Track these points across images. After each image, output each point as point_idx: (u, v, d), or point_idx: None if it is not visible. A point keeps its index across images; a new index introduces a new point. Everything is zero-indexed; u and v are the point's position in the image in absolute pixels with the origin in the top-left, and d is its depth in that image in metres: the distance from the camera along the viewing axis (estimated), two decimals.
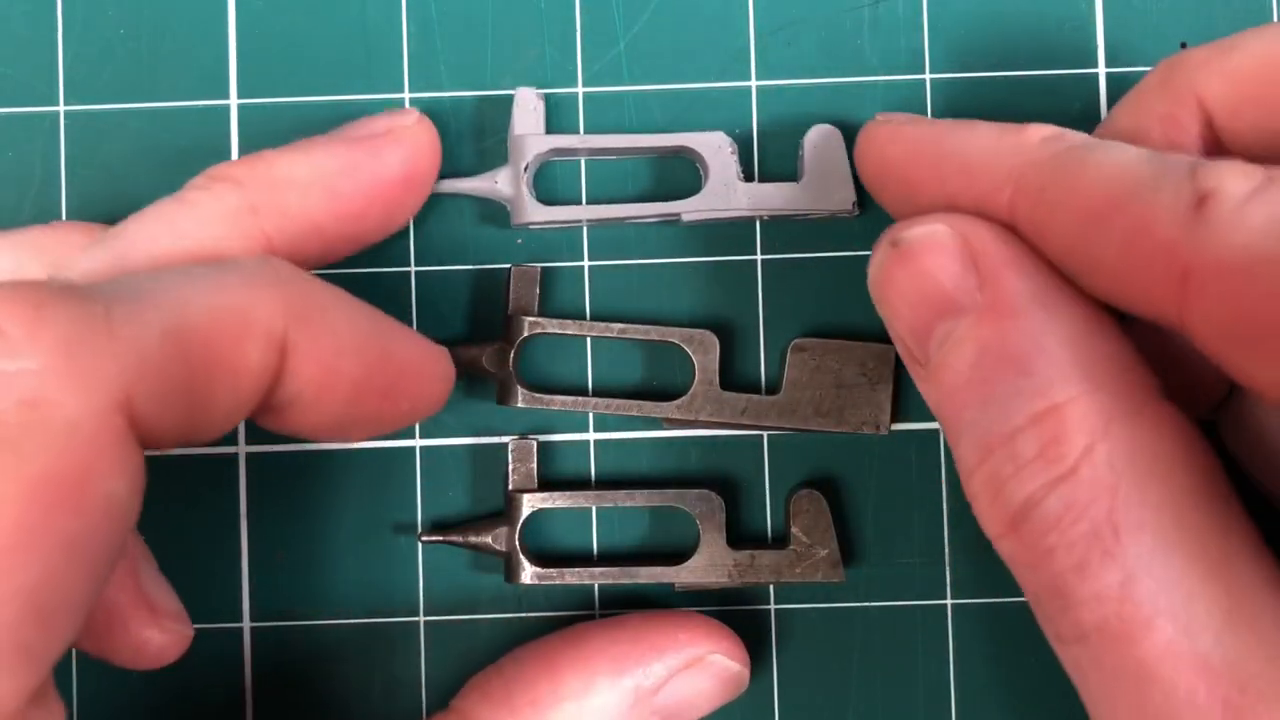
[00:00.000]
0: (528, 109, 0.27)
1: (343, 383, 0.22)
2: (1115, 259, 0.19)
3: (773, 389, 0.27)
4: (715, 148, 0.27)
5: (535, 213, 0.27)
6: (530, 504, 0.27)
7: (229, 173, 0.23)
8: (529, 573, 0.27)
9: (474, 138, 0.28)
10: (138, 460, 0.18)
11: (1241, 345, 0.18)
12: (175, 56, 0.28)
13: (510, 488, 0.27)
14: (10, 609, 0.17)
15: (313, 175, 0.23)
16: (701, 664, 0.25)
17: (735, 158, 0.27)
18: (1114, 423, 0.20)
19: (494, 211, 0.28)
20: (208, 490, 0.28)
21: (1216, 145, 0.23)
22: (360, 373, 0.22)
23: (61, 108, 0.28)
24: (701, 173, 0.28)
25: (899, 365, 0.27)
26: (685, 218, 0.27)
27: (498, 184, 0.27)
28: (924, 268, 0.22)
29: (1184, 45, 0.24)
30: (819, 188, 0.27)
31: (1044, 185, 0.21)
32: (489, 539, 0.27)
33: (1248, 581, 0.19)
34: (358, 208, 0.24)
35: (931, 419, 0.28)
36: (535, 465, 0.27)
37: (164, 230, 0.22)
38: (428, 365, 0.24)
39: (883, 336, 0.27)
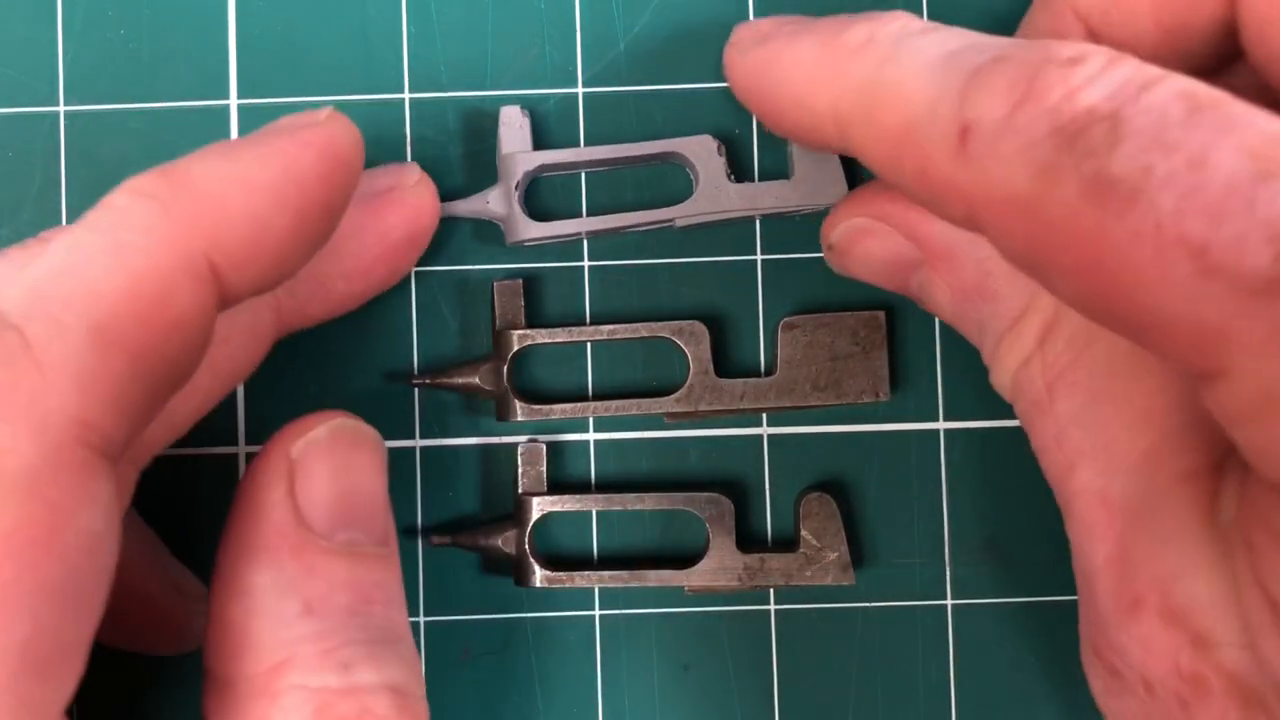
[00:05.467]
0: (514, 127, 0.27)
1: (285, 242, 0.20)
2: (917, 194, 0.20)
3: (770, 374, 0.27)
4: (703, 151, 0.27)
5: (529, 230, 0.27)
6: (540, 507, 0.27)
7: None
8: (539, 576, 0.27)
9: (468, 142, 0.28)
10: (108, 486, 0.17)
11: (1036, 273, 0.18)
12: (175, 56, 0.28)
13: (520, 490, 0.27)
14: (4, 667, 0.16)
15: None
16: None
17: (724, 159, 0.27)
18: None
19: (488, 229, 0.28)
20: (209, 490, 0.28)
21: None
22: (298, 221, 0.20)
23: (61, 108, 0.28)
24: (692, 177, 0.28)
25: (891, 330, 0.27)
26: (678, 223, 0.27)
27: (489, 204, 0.27)
28: (861, 255, 0.25)
29: None
30: (810, 184, 0.27)
31: (853, 120, 0.21)
32: (498, 542, 0.27)
33: (1170, 429, 0.21)
34: (364, 265, 0.25)
35: (931, 420, 0.28)
36: (545, 468, 0.27)
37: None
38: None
39: (870, 305, 0.27)
